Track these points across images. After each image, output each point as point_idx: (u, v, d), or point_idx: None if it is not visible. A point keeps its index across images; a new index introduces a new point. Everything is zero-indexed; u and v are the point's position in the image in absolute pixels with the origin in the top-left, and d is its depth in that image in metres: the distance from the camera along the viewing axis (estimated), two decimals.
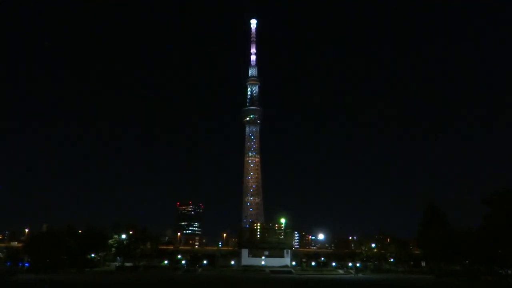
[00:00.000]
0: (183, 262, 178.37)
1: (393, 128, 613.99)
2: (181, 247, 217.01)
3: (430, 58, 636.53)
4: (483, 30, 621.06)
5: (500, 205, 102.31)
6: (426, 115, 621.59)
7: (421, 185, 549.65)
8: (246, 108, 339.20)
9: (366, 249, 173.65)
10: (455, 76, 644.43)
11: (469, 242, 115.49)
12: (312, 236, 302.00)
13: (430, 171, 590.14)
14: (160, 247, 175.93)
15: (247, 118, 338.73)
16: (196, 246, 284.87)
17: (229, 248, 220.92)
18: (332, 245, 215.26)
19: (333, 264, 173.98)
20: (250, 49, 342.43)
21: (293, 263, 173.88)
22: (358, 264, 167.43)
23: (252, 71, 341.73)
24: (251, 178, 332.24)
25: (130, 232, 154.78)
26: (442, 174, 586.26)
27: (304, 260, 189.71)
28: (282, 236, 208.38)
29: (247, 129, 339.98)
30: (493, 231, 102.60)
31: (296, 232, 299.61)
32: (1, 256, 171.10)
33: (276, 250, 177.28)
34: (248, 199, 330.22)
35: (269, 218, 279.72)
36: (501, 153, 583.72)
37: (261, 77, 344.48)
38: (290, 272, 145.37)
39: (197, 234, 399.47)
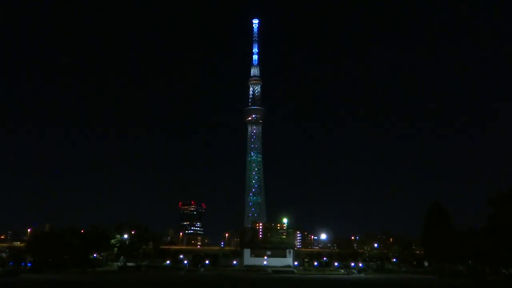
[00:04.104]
0: (185, 262, 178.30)
1: (397, 128, 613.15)
2: (183, 247, 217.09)
3: (433, 56, 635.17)
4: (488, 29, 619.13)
5: (505, 205, 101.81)
6: (430, 114, 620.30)
7: (425, 185, 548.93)
8: (248, 108, 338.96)
9: (368, 249, 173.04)
10: (457, 73, 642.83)
11: (473, 242, 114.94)
12: (314, 236, 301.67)
13: (433, 171, 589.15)
14: (162, 247, 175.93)
15: (249, 118, 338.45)
16: (198, 246, 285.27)
17: (231, 248, 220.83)
18: (335, 245, 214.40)
19: (336, 264, 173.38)
20: (252, 49, 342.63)
21: (295, 263, 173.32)
22: (361, 264, 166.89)
23: (254, 71, 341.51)
24: (253, 178, 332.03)
25: (132, 232, 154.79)
26: (446, 174, 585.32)
27: (306, 260, 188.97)
28: (284, 236, 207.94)
29: (249, 128, 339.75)
30: (497, 231, 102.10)
31: (298, 232, 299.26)
32: (4, 256, 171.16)
33: (279, 250, 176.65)
34: (250, 199, 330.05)
35: (271, 218, 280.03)
36: (506, 153, 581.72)
37: (263, 76, 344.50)
38: (292, 272, 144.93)
39: (199, 234, 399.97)
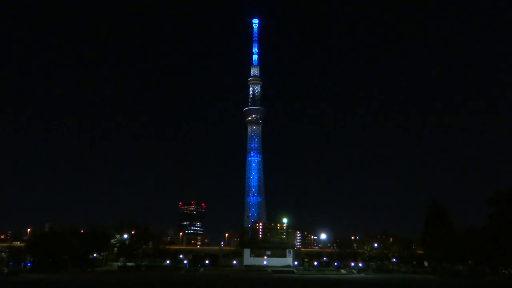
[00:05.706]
0: (185, 262, 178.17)
1: (397, 128, 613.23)
2: (183, 247, 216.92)
3: (433, 56, 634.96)
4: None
5: (505, 205, 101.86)
6: (430, 114, 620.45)
7: (425, 184, 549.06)
8: (248, 107, 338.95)
9: (368, 248, 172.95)
10: (456, 74, 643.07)
11: (473, 242, 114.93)
12: (314, 236, 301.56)
13: (433, 171, 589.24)
14: (162, 246, 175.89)
15: (249, 118, 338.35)
16: (198, 246, 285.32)
17: (231, 248, 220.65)
18: (334, 244, 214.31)
19: (336, 264, 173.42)
20: (252, 49, 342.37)
21: (295, 263, 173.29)
22: (360, 264, 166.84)
23: (254, 71, 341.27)
24: (253, 178, 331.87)
25: (132, 232, 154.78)
26: (446, 174, 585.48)
27: (306, 260, 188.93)
28: (284, 236, 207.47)
29: (249, 128, 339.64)
30: (497, 231, 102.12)
31: (298, 232, 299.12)
32: (4, 256, 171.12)
33: (278, 250, 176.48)
34: (250, 199, 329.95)
35: (271, 218, 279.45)
36: (506, 153, 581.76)
37: (263, 76, 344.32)
38: (292, 272, 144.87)
39: (199, 234, 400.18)
